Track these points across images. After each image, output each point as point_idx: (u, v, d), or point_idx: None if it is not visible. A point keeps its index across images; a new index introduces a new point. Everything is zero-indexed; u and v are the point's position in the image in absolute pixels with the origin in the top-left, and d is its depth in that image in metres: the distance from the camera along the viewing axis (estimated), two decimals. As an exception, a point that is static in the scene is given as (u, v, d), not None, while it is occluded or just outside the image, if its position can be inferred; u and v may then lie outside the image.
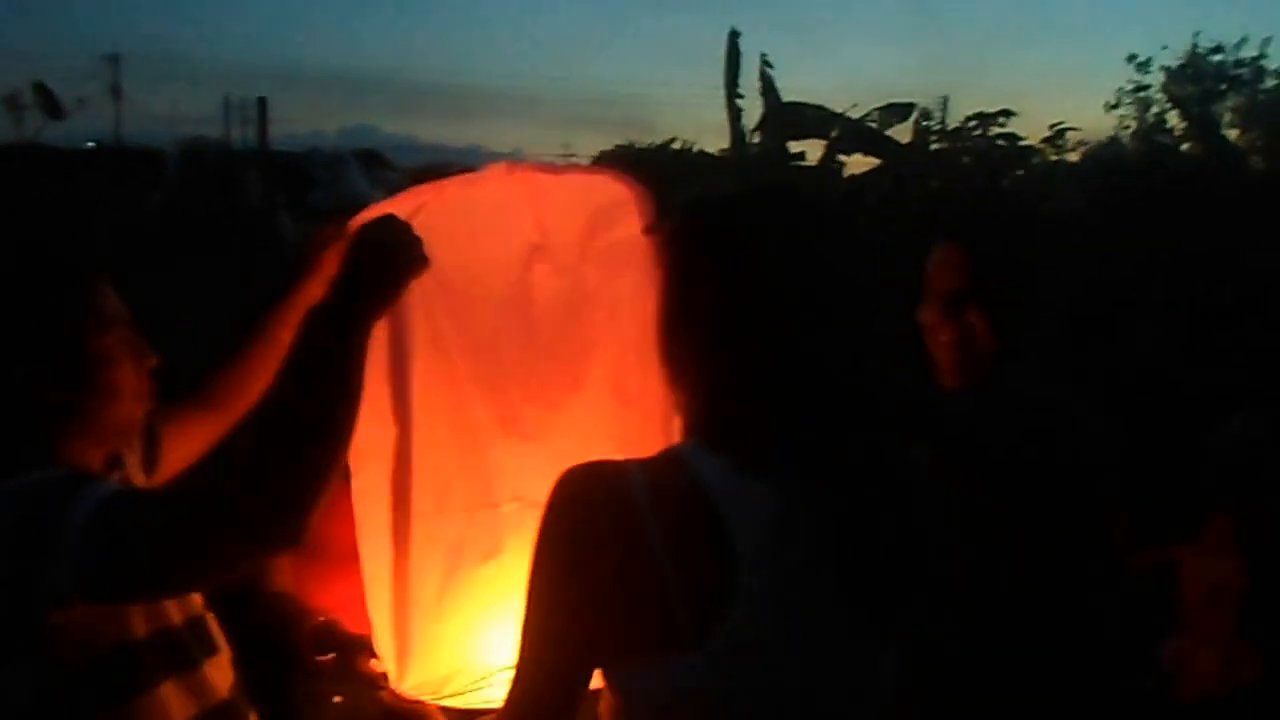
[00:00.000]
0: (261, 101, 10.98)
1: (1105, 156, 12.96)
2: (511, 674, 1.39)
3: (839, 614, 1.38)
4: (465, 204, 1.85)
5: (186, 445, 1.89)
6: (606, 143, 19.84)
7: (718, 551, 1.32)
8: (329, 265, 1.79)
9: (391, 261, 1.58)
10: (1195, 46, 17.16)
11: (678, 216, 1.46)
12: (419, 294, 1.73)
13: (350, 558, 1.95)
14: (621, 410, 1.87)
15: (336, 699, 2.25)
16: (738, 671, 1.32)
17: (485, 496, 1.92)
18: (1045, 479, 1.92)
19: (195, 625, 1.72)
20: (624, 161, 11.30)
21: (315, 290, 1.82)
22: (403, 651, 1.89)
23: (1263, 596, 3.08)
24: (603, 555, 1.32)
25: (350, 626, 2.13)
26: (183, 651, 1.67)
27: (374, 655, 1.99)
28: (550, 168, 2.01)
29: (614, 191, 1.88)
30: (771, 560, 1.33)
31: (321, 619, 2.19)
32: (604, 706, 1.43)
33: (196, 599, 1.74)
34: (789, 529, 1.35)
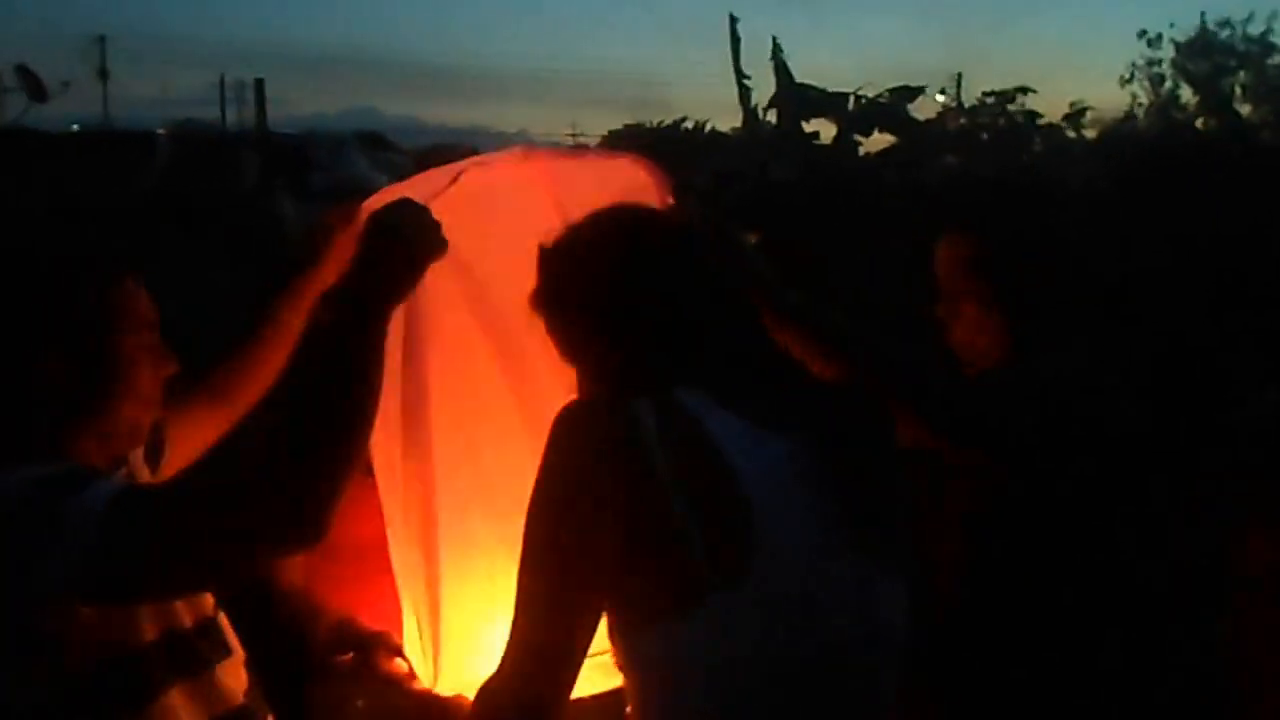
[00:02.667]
0: (259, 82, 10.75)
1: (1122, 132, 12.78)
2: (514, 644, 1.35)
3: (848, 560, 1.36)
4: (482, 189, 1.77)
5: (193, 438, 1.80)
6: (615, 122, 19.66)
7: (732, 499, 1.30)
8: (339, 250, 1.74)
9: (409, 247, 1.53)
10: (1204, 22, 16.89)
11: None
12: (436, 283, 1.65)
13: (364, 554, 1.89)
14: None
15: (360, 702, 2.12)
16: (766, 625, 1.30)
17: (515, 500, 1.74)
18: (1077, 461, 1.85)
19: (207, 628, 1.65)
20: (634, 141, 11.16)
21: (325, 276, 1.75)
22: (435, 652, 1.82)
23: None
24: (613, 492, 1.29)
25: (367, 624, 2.04)
26: (193, 656, 1.61)
27: (395, 654, 1.93)
28: (568, 152, 1.97)
29: (635, 175, 1.81)
30: (786, 509, 1.32)
31: (337, 617, 2.10)
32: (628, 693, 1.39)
33: (207, 600, 1.67)
34: (799, 477, 1.34)
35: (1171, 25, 19.50)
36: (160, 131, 9.29)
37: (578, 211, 1.78)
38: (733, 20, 10.00)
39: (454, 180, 1.70)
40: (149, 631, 1.53)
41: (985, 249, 1.98)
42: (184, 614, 1.60)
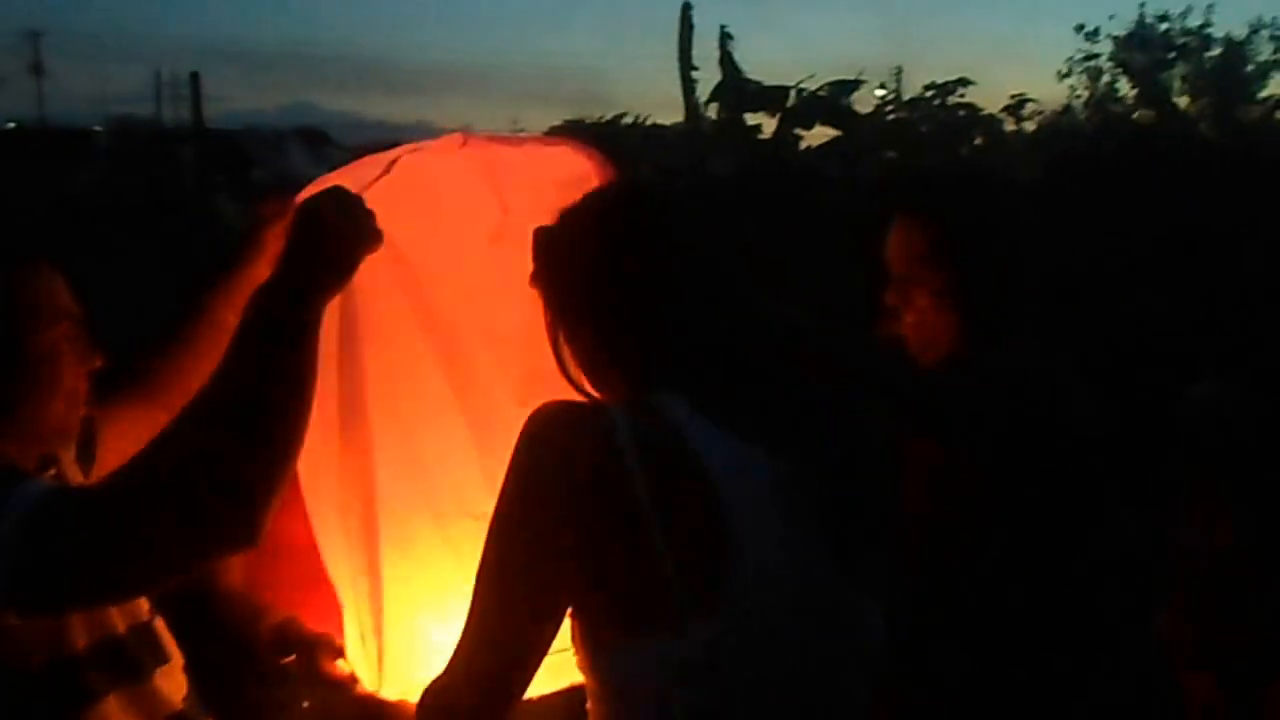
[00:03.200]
0: (194, 77, 10.62)
1: (1060, 125, 12.92)
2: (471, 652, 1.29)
3: (827, 581, 1.31)
4: (418, 177, 1.69)
5: (125, 438, 1.71)
6: (556, 118, 19.57)
7: (711, 513, 1.23)
8: (273, 244, 1.66)
9: (342, 237, 1.47)
10: (1142, 15, 17.14)
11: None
12: (372, 274, 1.57)
13: (303, 556, 1.79)
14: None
15: (305, 703, 2.09)
16: (736, 646, 1.24)
17: (461, 502, 1.73)
18: (1034, 452, 1.79)
19: (142, 632, 1.57)
20: (576, 136, 11.01)
21: (260, 271, 1.68)
22: (379, 656, 1.74)
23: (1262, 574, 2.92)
24: (583, 501, 1.22)
25: (310, 625, 1.96)
26: (129, 662, 1.53)
27: (337, 655, 1.85)
28: (506, 139, 1.85)
29: (577, 165, 1.76)
30: (767, 525, 1.26)
31: (279, 619, 2.02)
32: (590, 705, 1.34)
33: (142, 603, 1.59)
34: (780, 492, 1.27)
35: (1111, 18, 19.70)
36: (97, 128, 9.17)
37: (517, 200, 1.75)
38: (686, 9, 9.67)
39: (388, 169, 1.65)
40: (80, 638, 1.47)
41: (942, 236, 1.92)
42: (117, 620, 1.54)
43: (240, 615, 2.04)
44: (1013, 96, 9.54)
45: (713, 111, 10.20)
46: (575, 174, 1.74)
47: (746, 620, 1.25)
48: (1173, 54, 16.48)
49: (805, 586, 1.29)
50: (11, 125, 14.10)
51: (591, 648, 1.29)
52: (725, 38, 9.58)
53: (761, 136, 9.87)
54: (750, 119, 9.88)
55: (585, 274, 1.40)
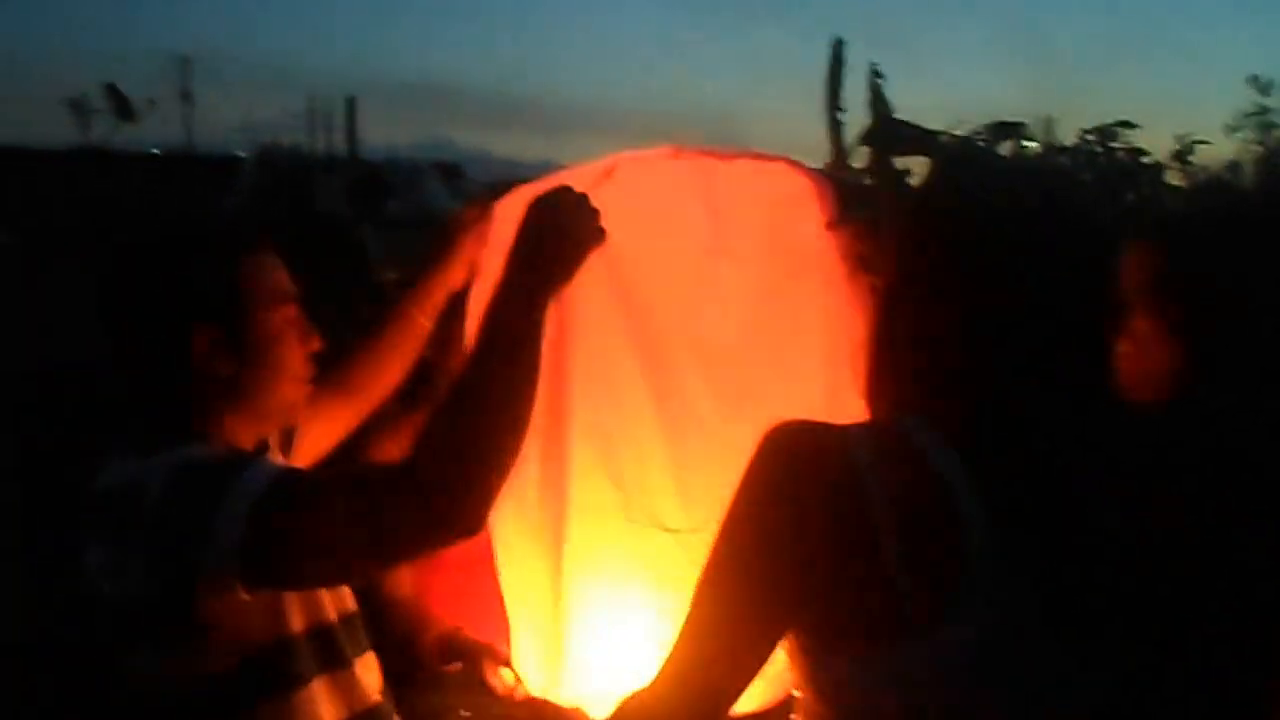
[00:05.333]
0: (351, 103, 10.69)
1: (1226, 181, 12.37)
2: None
3: (1047, 630, 1.26)
4: (634, 185, 1.72)
5: (318, 430, 1.85)
6: (686, 161, 19.60)
7: (949, 536, 1.21)
8: (469, 249, 1.82)
9: (570, 235, 1.52)
10: (1320, 67, 16.41)
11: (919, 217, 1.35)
12: (584, 277, 1.60)
13: (470, 565, 1.87)
14: None
15: (464, 712, 2.17)
16: (960, 670, 1.23)
17: (654, 514, 1.74)
18: (1242, 507, 1.66)
19: (349, 621, 1.66)
20: None
21: (454, 274, 1.85)
22: (554, 664, 1.74)
23: None
24: (819, 520, 1.22)
25: (474, 635, 2.08)
26: (336, 649, 1.62)
27: (502, 664, 1.94)
28: (721, 152, 1.83)
29: (794, 183, 1.78)
30: (1000, 556, 1.22)
31: (445, 628, 2.14)
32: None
33: (348, 594, 1.68)
34: (1017, 527, 1.23)
35: (1286, 70, 19.02)
36: (243, 154, 9.31)
37: (728, 213, 1.76)
38: (837, 45, 9.41)
39: (609, 174, 1.68)
40: (297, 622, 1.54)
41: (1164, 258, 1.79)
42: (329, 607, 1.61)
43: (408, 625, 2.13)
44: (1179, 139, 8.96)
45: (859, 157, 9.95)
46: (791, 191, 1.76)
47: (973, 647, 1.23)
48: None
49: (1023, 636, 1.25)
50: (155, 151, 14.47)
51: (810, 661, 1.30)
52: (876, 76, 9.21)
53: (910, 181, 9.60)
54: (899, 163, 9.59)
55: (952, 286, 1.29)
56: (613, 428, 1.73)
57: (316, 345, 1.63)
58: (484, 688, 2.04)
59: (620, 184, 1.68)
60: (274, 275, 1.59)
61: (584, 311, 1.71)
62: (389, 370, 1.95)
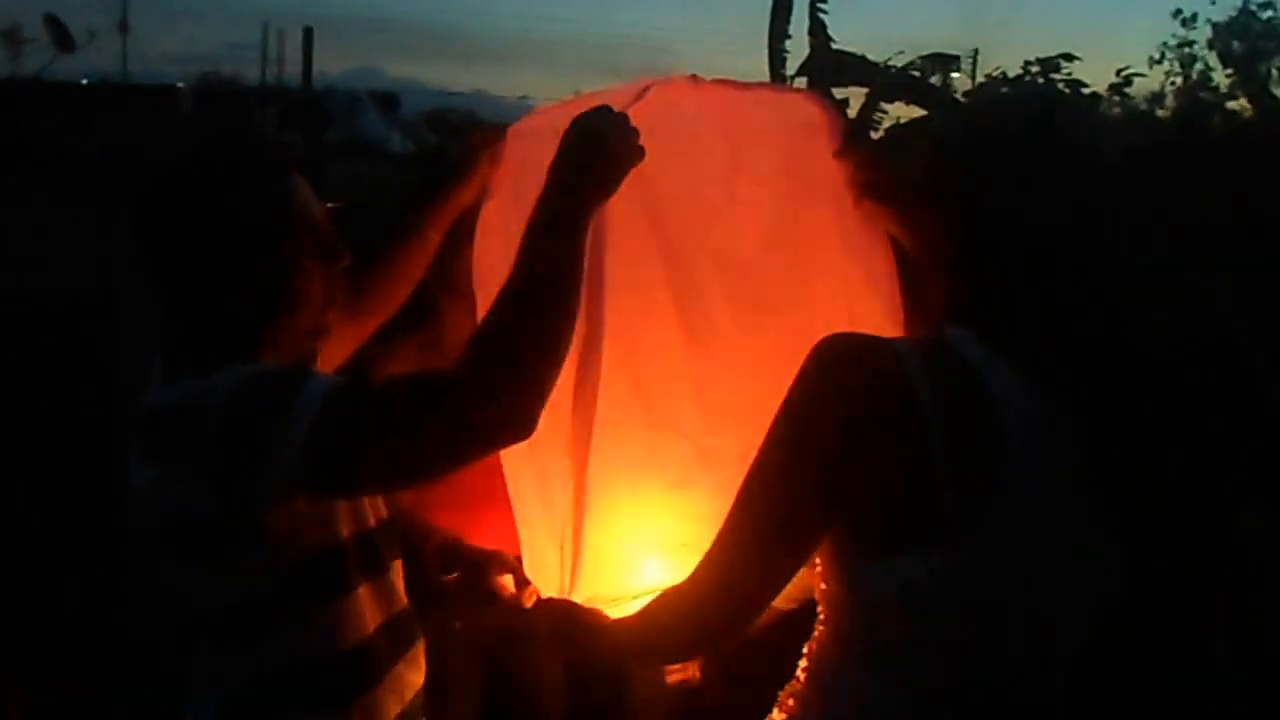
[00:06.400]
0: (308, 33, 10.46)
1: (1150, 112, 12.55)
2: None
3: (1079, 529, 1.31)
4: (661, 109, 1.75)
5: (336, 344, 1.87)
6: (621, 90, 19.24)
7: (988, 442, 1.25)
8: (482, 172, 1.89)
9: (614, 150, 1.56)
10: (1246, 3, 16.59)
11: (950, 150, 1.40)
12: (620, 193, 1.63)
13: (471, 473, 1.77)
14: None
15: (457, 624, 2.20)
16: (986, 571, 1.27)
17: (673, 420, 1.80)
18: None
19: (388, 527, 1.71)
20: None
21: (466, 195, 1.93)
22: (573, 564, 1.76)
23: None
24: (868, 423, 1.25)
25: (474, 543, 2.11)
26: (376, 555, 1.67)
27: (508, 570, 1.97)
28: (738, 84, 1.90)
29: (808, 110, 1.86)
30: (1036, 463, 1.26)
31: (445, 536, 2.16)
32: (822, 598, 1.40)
33: (384, 502, 1.72)
34: (1056, 434, 1.27)
35: (1213, 3, 19.14)
36: (180, 85, 9.17)
37: (745, 142, 1.84)
38: None
39: (640, 96, 1.72)
40: (345, 529, 1.58)
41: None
42: (370, 513, 1.65)
43: (407, 535, 2.01)
44: (1119, 72, 9.10)
45: (799, 86, 9.93)
46: (806, 118, 1.83)
47: (1002, 549, 1.26)
48: (1275, 44, 16.00)
49: (1062, 530, 1.30)
50: (85, 81, 14.15)
51: (841, 566, 1.34)
52: (819, 6, 9.12)
53: (849, 112, 9.63)
54: (838, 94, 9.60)
55: (997, 205, 1.34)
56: (637, 335, 1.78)
57: (345, 261, 1.65)
58: (479, 597, 2.05)
59: (649, 105, 1.73)
60: (301, 199, 1.60)
61: (616, 224, 1.75)
62: (398, 288, 2.01)
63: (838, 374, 1.28)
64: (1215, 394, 1.67)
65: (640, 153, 1.59)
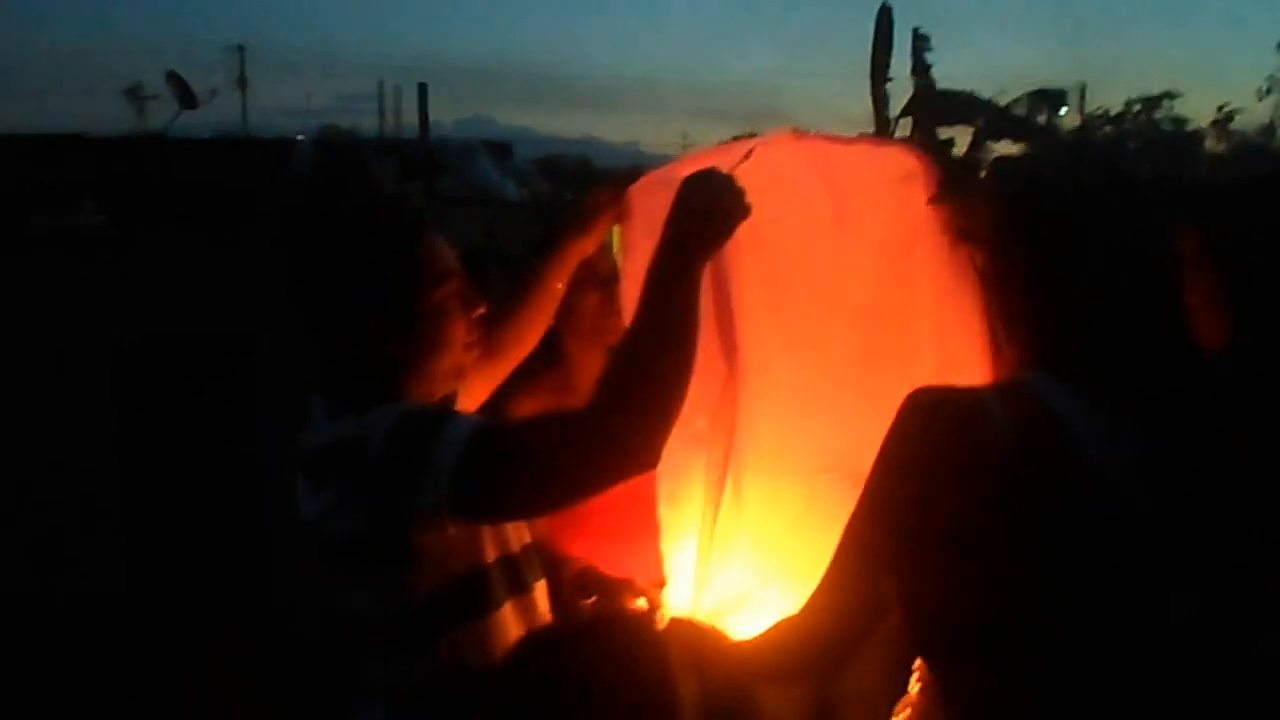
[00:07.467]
0: (423, 88, 10.85)
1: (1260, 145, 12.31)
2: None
3: (1164, 564, 1.36)
4: (768, 165, 1.87)
5: (475, 385, 2.01)
6: (728, 134, 19.44)
7: (1074, 484, 1.32)
8: (602, 224, 2.06)
9: (723, 209, 1.66)
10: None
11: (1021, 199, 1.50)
12: (735, 247, 1.76)
13: (592, 510, 1.97)
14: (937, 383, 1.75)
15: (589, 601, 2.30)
16: (1070, 605, 1.33)
17: (796, 461, 1.92)
18: None
19: (529, 551, 1.85)
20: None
21: (586, 245, 2.10)
22: (699, 589, 1.92)
23: None
24: (960, 480, 1.33)
25: (607, 571, 2.24)
26: (520, 576, 1.80)
27: (639, 595, 2.10)
28: (839, 137, 2.04)
29: (905, 162, 1.95)
30: (1130, 498, 1.32)
31: (580, 564, 2.28)
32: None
33: (526, 528, 1.86)
34: (1146, 468, 1.33)
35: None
36: (300, 138, 9.48)
37: (851, 193, 1.95)
38: (885, 12, 8.94)
39: (747, 156, 1.83)
40: (490, 553, 1.73)
41: (1217, 237, 1.87)
42: (513, 539, 1.80)
43: (545, 562, 2.11)
44: (1220, 108, 8.96)
45: (903, 127, 9.90)
46: (908, 169, 1.92)
47: (1081, 584, 1.33)
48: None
49: (1149, 564, 1.35)
50: (206, 137, 14.60)
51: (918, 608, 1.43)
52: (921, 41, 9.08)
53: (952, 150, 9.60)
54: (943, 133, 9.58)
55: (1058, 249, 1.43)
56: (764, 376, 1.91)
57: (481, 309, 1.78)
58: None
59: (755, 163, 1.84)
60: (436, 252, 1.74)
61: (738, 273, 1.90)
62: (529, 333, 2.16)
63: (924, 424, 1.38)
64: None
65: (747, 210, 1.68)
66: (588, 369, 2.43)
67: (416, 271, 1.70)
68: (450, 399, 1.85)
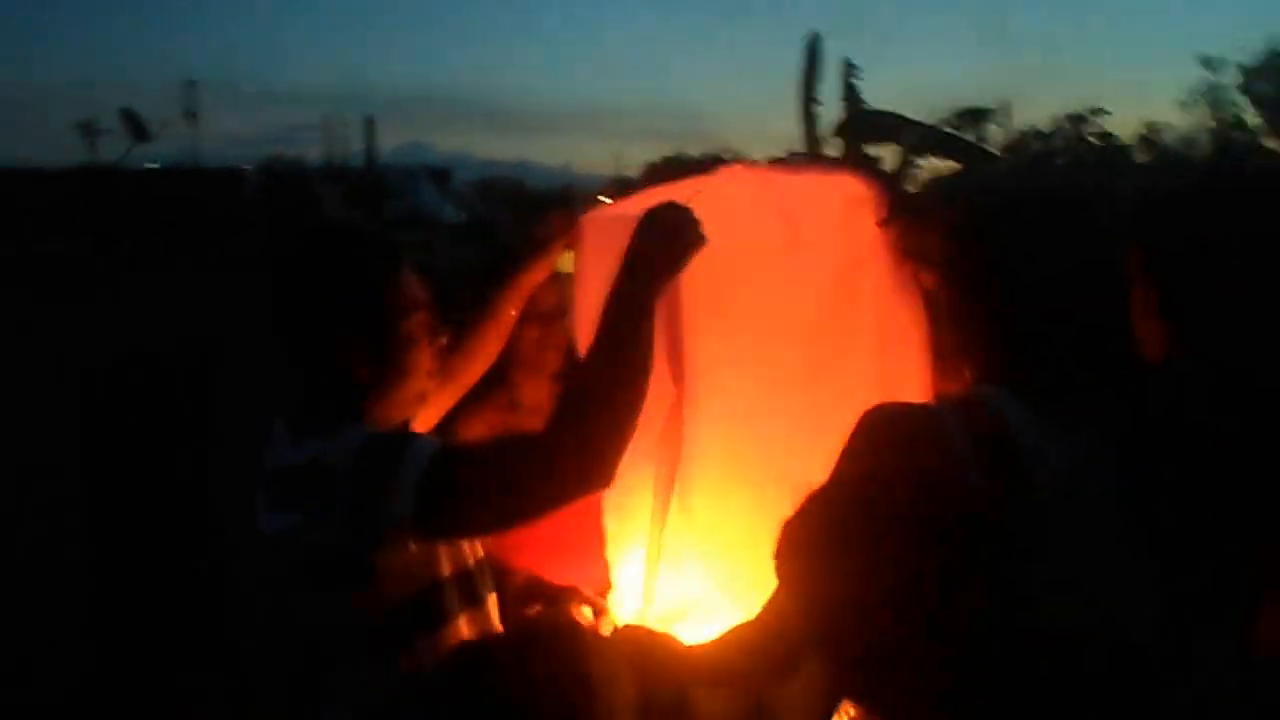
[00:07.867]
0: (369, 120, 11.09)
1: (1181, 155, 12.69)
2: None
3: (1115, 567, 1.38)
4: (718, 196, 1.94)
5: (422, 414, 2.04)
6: (659, 155, 19.72)
7: (1022, 494, 1.34)
8: (551, 255, 2.14)
9: (681, 240, 1.75)
10: (1273, 47, 16.67)
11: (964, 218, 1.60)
12: (689, 274, 1.83)
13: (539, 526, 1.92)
14: (879, 395, 1.84)
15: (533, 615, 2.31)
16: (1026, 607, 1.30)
17: (744, 474, 1.99)
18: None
19: (481, 566, 1.89)
20: (672, 171, 11.04)
21: (537, 274, 2.17)
22: (647, 596, 1.99)
23: None
24: (909, 487, 1.27)
25: (553, 580, 2.25)
26: (474, 589, 1.85)
27: (584, 604, 2.12)
28: (786, 166, 2.19)
29: (854, 188, 1.99)
30: (1069, 510, 1.36)
31: (526, 574, 2.30)
32: None
33: (480, 544, 1.91)
34: (1089, 486, 1.36)
35: (1241, 47, 19.12)
36: (246, 168, 9.66)
37: (803, 219, 2.02)
38: (814, 39, 9.31)
39: (699, 190, 1.90)
40: (446, 567, 1.78)
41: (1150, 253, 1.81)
42: (468, 554, 1.85)
43: (492, 575, 2.12)
44: (1148, 125, 9.34)
45: (833, 147, 10.16)
46: (859, 194, 1.98)
47: (1036, 589, 1.31)
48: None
49: (1083, 552, 1.38)
50: (154, 165, 14.63)
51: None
52: (851, 68, 9.43)
53: (883, 169, 9.87)
54: (873, 150, 9.87)
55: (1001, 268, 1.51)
56: (714, 395, 1.98)
57: (444, 341, 1.86)
58: (559, 627, 2.13)
59: (712, 193, 1.91)
60: (408, 284, 1.80)
61: (690, 300, 1.95)
62: (480, 360, 2.21)
63: (883, 439, 1.42)
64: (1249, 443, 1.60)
65: (703, 240, 1.76)
66: (530, 393, 2.52)
67: (393, 302, 1.76)
68: (409, 422, 1.90)
